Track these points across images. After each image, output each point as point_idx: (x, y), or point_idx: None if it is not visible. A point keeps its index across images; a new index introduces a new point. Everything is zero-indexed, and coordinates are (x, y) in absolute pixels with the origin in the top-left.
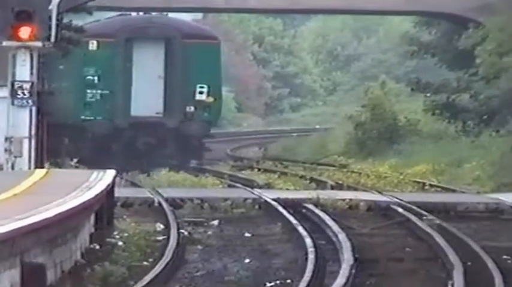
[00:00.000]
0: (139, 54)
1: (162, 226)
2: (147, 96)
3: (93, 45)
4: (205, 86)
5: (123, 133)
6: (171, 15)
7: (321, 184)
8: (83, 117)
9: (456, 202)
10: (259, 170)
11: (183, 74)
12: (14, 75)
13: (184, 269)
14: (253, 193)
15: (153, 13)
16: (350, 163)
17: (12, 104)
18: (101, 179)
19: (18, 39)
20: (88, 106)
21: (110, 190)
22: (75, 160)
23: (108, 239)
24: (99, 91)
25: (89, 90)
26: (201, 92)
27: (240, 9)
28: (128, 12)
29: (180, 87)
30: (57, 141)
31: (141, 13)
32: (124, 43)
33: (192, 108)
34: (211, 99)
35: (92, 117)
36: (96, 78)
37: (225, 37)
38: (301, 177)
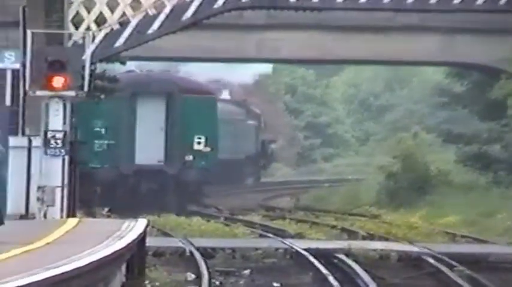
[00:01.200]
0: (142, 108)
1: (193, 276)
2: (149, 146)
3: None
4: (202, 137)
5: (128, 179)
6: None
7: (352, 234)
8: (91, 165)
9: (487, 252)
10: (290, 220)
11: (182, 126)
12: (46, 124)
13: None
14: (284, 242)
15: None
16: (381, 213)
17: (45, 153)
18: (133, 228)
19: (52, 89)
20: (96, 155)
21: (141, 239)
22: (106, 209)
23: None
24: (105, 141)
25: (96, 141)
26: (198, 143)
27: (272, 60)
28: (133, 69)
29: (179, 138)
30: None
31: (145, 70)
32: (129, 98)
33: (191, 157)
34: (208, 149)
35: (99, 165)
36: (103, 129)
37: (257, 87)
38: (333, 227)
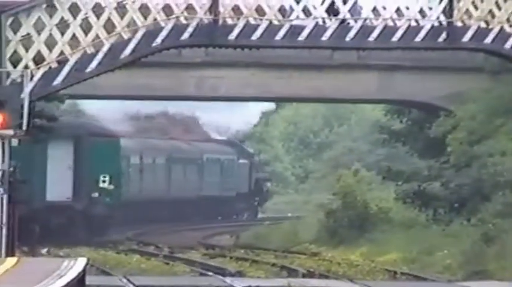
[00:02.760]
0: (53, 150)
1: None
2: (59, 184)
3: (15, 141)
4: (107, 175)
5: (40, 214)
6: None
7: (292, 272)
8: None
9: None
10: (231, 258)
11: (88, 165)
12: None
13: None
14: (224, 281)
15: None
16: (321, 251)
17: None
18: (72, 267)
19: None
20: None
21: (81, 278)
22: (45, 249)
23: None
24: None
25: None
26: (103, 181)
27: (211, 98)
28: None
29: (86, 177)
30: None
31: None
32: (40, 141)
33: (97, 194)
34: (112, 186)
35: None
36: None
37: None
38: (273, 265)
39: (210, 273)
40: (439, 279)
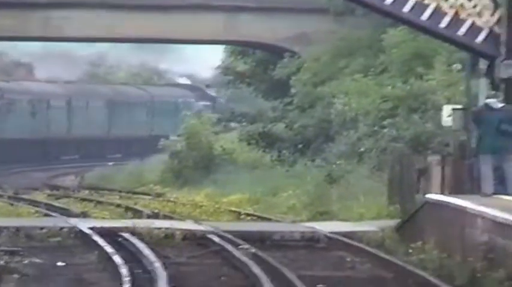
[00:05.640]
0: None
1: None
2: None
3: None
4: None
5: None
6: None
7: (137, 213)
8: None
9: (272, 230)
10: (75, 199)
11: None
12: None
13: None
14: (69, 222)
15: None
16: (166, 192)
17: None
18: None
19: None
20: None
21: None
22: None
23: None
24: None
25: None
26: None
27: (57, 38)
28: None
29: None
30: None
31: None
32: None
33: None
34: None
35: None
36: None
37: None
38: (118, 206)
39: (55, 214)
40: (283, 219)
